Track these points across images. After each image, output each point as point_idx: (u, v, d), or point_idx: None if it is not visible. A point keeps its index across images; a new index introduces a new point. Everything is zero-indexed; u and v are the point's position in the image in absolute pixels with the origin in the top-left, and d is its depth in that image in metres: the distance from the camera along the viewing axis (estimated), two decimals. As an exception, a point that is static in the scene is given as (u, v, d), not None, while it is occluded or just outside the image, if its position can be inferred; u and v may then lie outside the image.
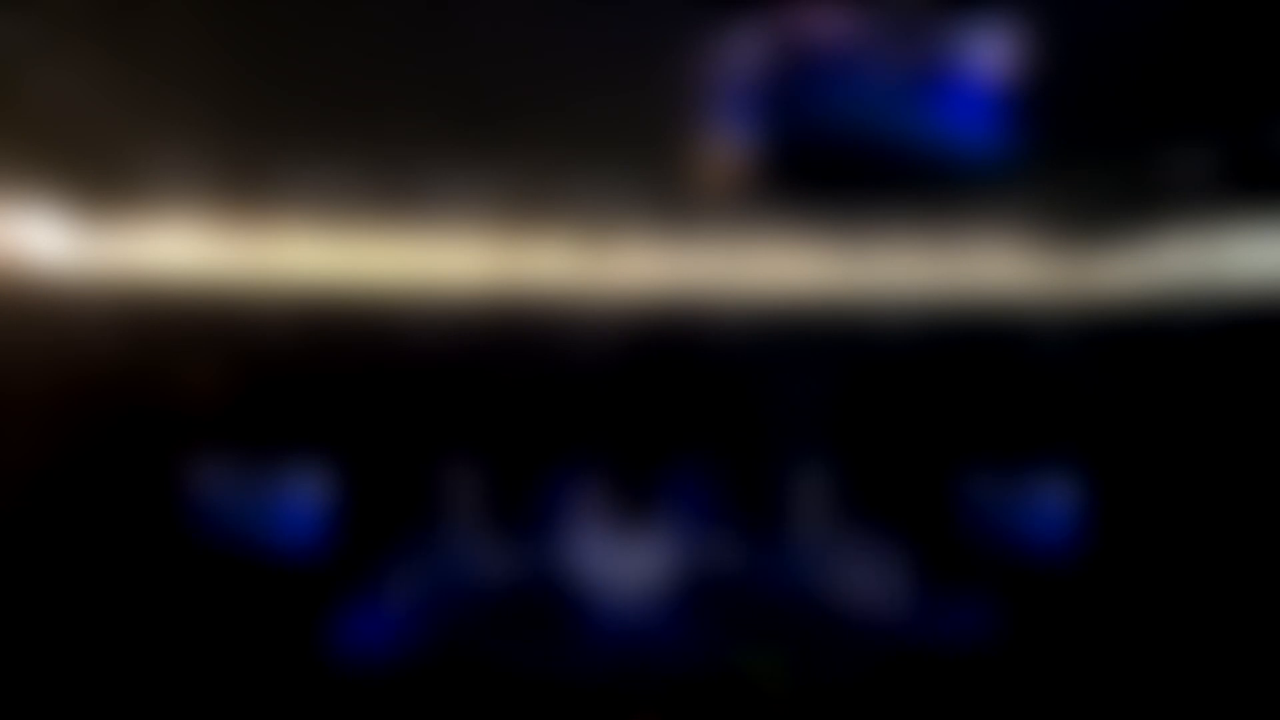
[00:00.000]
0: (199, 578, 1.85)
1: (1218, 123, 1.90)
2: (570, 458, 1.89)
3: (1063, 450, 1.90)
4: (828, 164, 1.89)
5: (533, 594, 1.89)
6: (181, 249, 1.88)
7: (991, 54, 1.90)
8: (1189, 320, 1.90)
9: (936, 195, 1.90)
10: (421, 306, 1.89)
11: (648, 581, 1.90)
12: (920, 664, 1.88)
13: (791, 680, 1.87)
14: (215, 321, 1.86)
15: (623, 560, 1.90)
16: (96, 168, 1.86)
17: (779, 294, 1.90)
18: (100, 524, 1.85)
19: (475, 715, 1.86)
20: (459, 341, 1.89)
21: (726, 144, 1.90)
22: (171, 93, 1.86)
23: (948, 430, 1.90)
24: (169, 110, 1.86)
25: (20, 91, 1.85)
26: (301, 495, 1.88)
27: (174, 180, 1.87)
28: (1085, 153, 1.91)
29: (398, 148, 1.88)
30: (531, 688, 1.86)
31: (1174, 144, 1.90)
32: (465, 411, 1.89)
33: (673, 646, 1.88)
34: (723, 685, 1.86)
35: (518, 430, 1.89)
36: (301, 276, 1.89)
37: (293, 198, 1.88)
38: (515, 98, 1.88)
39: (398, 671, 1.86)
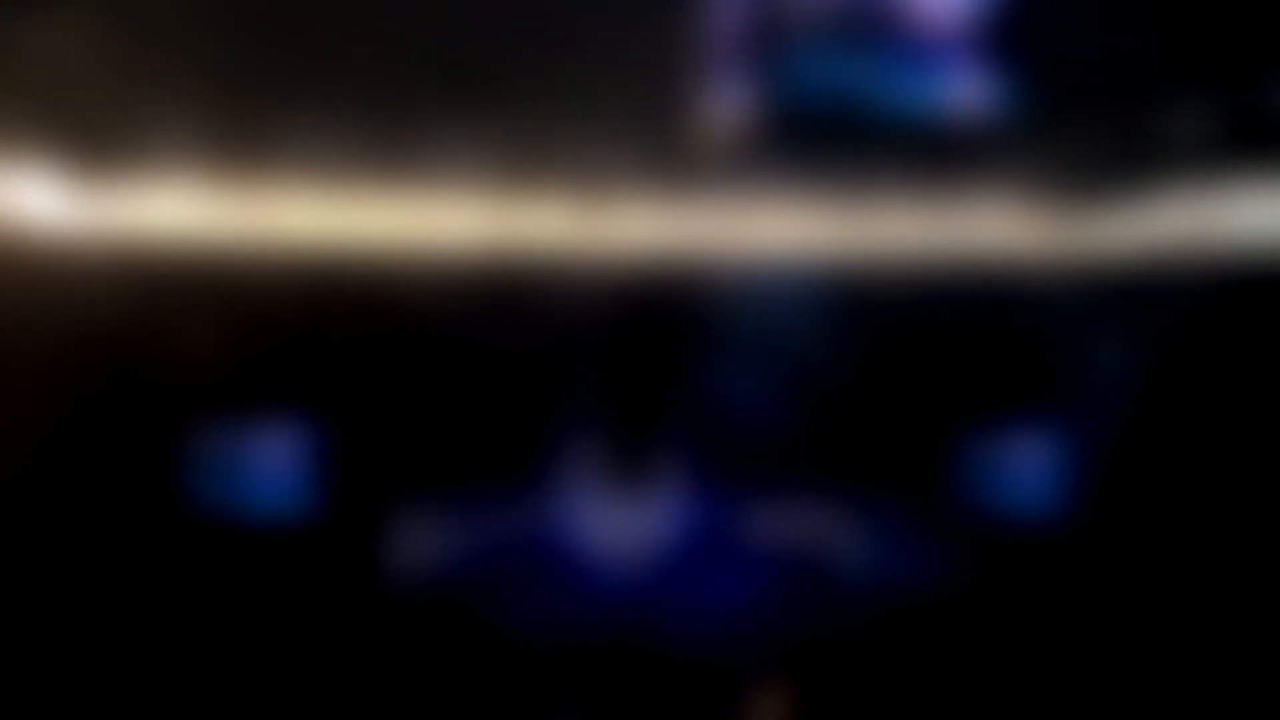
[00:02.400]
0: (196, 538, 1.85)
1: (1218, 80, 1.90)
2: (568, 418, 1.89)
3: (1060, 409, 1.90)
4: (826, 124, 1.89)
5: (529, 554, 1.88)
6: (175, 208, 1.87)
7: (990, 12, 1.89)
8: (1188, 279, 1.89)
9: (933, 154, 1.89)
10: (418, 266, 1.88)
11: (645, 542, 1.89)
12: (910, 623, 1.88)
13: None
14: (209, 280, 1.86)
15: (620, 521, 1.89)
16: (91, 128, 1.86)
17: (778, 253, 1.90)
18: (98, 484, 1.84)
19: (472, 674, 1.86)
20: (456, 301, 1.88)
21: (726, 103, 1.89)
22: (167, 53, 1.86)
23: (945, 389, 1.89)
24: (164, 71, 1.85)
25: (16, 52, 1.84)
26: (298, 455, 1.87)
27: (168, 140, 1.86)
28: (1084, 111, 1.91)
29: (394, 108, 1.87)
30: (528, 648, 1.86)
31: (1173, 101, 1.90)
32: (463, 371, 1.88)
33: (671, 607, 1.88)
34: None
35: (516, 390, 1.89)
36: (298, 236, 1.88)
37: (288, 157, 1.88)
38: (513, 57, 1.87)
39: (394, 631, 1.86)
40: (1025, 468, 1.90)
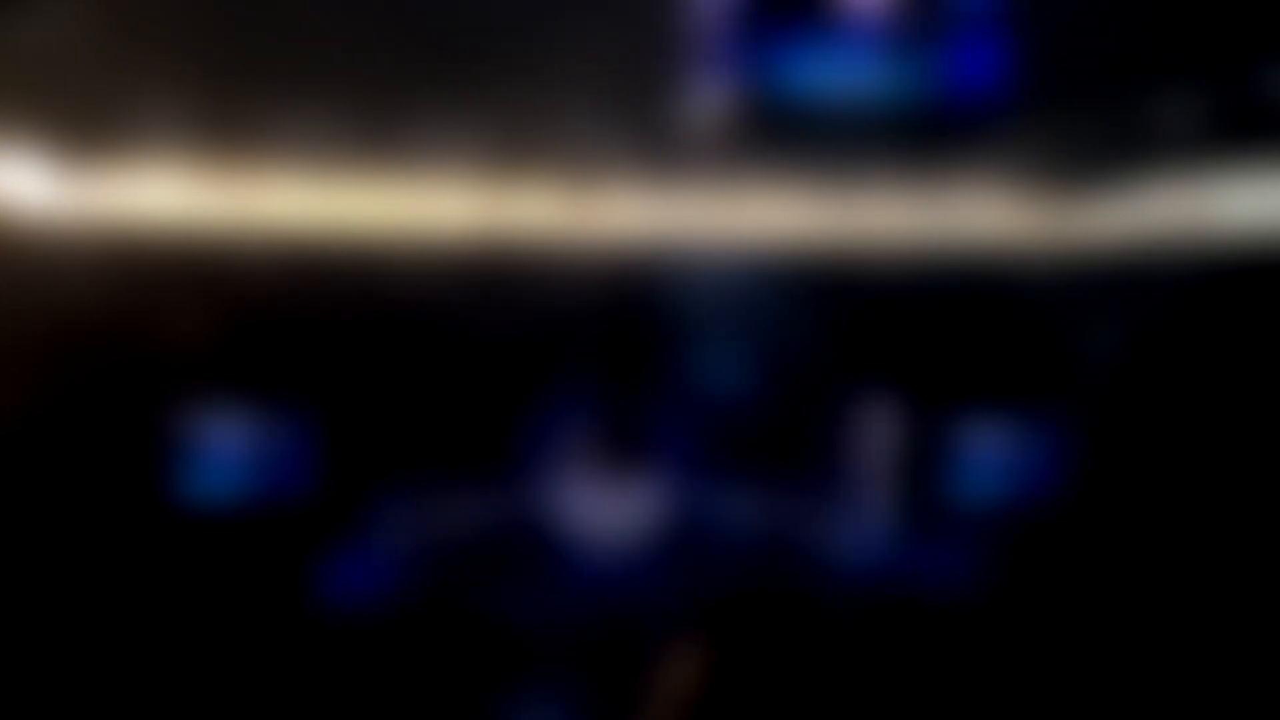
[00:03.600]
0: (182, 526, 1.85)
1: (1208, 68, 1.89)
2: (557, 403, 1.89)
3: (1051, 397, 1.89)
4: (814, 111, 1.88)
5: (517, 540, 1.88)
6: (161, 194, 1.87)
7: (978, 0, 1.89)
8: (1178, 267, 1.89)
9: (921, 142, 1.89)
10: (405, 253, 1.88)
11: (634, 528, 1.89)
12: (907, 610, 1.88)
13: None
14: (195, 266, 1.86)
15: (609, 506, 1.89)
16: (78, 113, 1.86)
17: (766, 240, 1.89)
18: (83, 470, 1.85)
19: (460, 662, 1.86)
20: (444, 286, 1.88)
21: (713, 90, 1.89)
22: (153, 39, 1.85)
23: (933, 377, 1.89)
24: (151, 56, 1.85)
25: (2, 38, 1.84)
26: (287, 441, 1.87)
27: (154, 126, 1.86)
28: (1074, 98, 1.90)
29: (381, 94, 1.87)
30: (517, 635, 1.87)
31: (1164, 89, 1.89)
32: (451, 357, 1.88)
33: (659, 594, 1.88)
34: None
35: (504, 376, 1.88)
36: (284, 222, 1.88)
37: (275, 143, 1.88)
38: (500, 44, 1.87)
39: (383, 619, 1.86)
40: (1013, 456, 1.90)
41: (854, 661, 1.87)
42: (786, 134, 1.88)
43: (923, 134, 1.88)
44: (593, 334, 1.88)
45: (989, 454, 1.89)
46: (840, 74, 1.88)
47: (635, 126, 1.88)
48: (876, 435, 1.89)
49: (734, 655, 1.88)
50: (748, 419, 1.89)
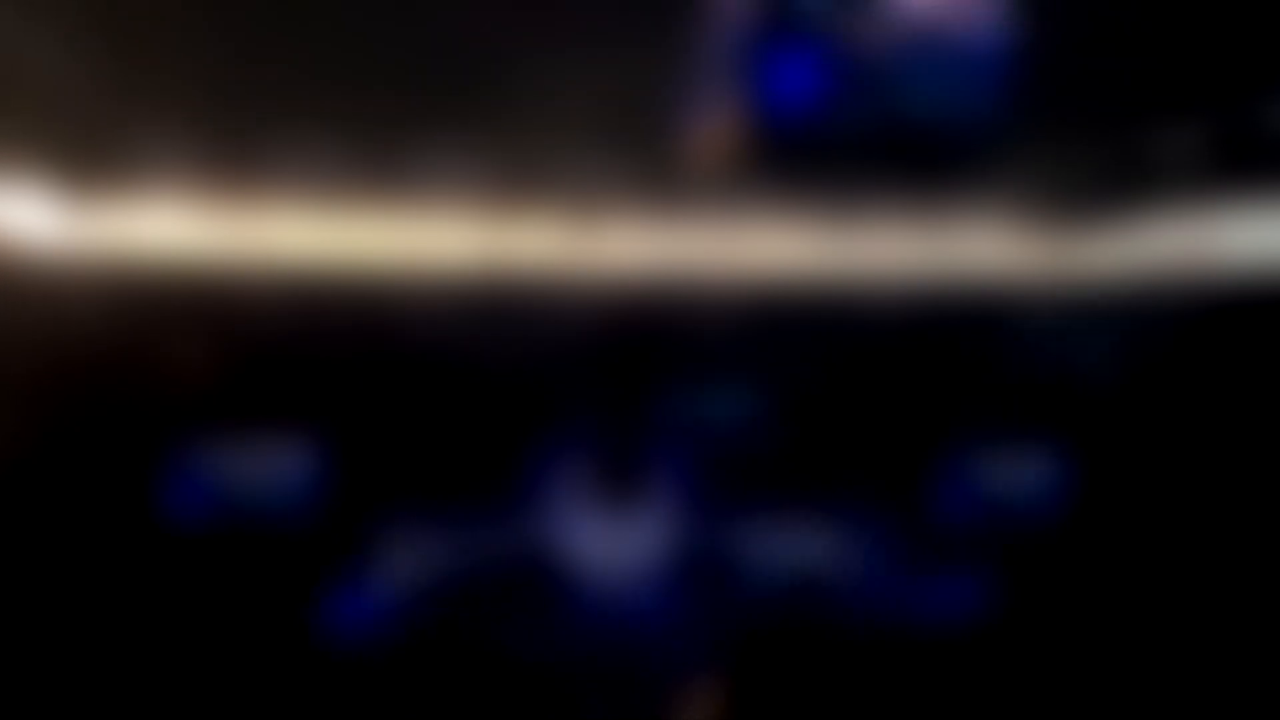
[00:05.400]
0: (187, 556, 1.85)
1: (1210, 100, 1.89)
2: (559, 436, 1.89)
3: (1052, 430, 1.89)
4: (815, 143, 1.88)
5: (520, 573, 1.89)
6: (167, 226, 1.87)
7: (981, 30, 1.89)
8: (1179, 299, 1.89)
9: (925, 173, 1.89)
10: (409, 284, 1.88)
11: (637, 561, 1.90)
12: (910, 638, 1.88)
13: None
14: (201, 298, 1.86)
15: (611, 539, 1.89)
16: (84, 146, 1.86)
17: (767, 272, 1.90)
18: (88, 501, 1.85)
19: (465, 695, 1.86)
20: (446, 318, 1.88)
21: (714, 123, 1.89)
22: (158, 70, 1.86)
23: (936, 409, 1.89)
24: (155, 88, 1.86)
25: (9, 71, 1.85)
26: (290, 473, 1.87)
27: (160, 158, 1.87)
28: (1075, 130, 1.90)
29: (386, 128, 1.87)
30: (521, 668, 1.87)
31: (1166, 122, 1.90)
32: (455, 389, 1.89)
33: (664, 628, 1.88)
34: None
35: (507, 407, 1.89)
36: (288, 254, 1.88)
37: (280, 176, 1.88)
38: (504, 77, 1.87)
39: (386, 652, 1.86)
40: (1014, 485, 1.90)
41: (864, 693, 1.88)
42: (788, 168, 1.89)
43: (927, 168, 1.88)
44: (596, 366, 1.88)
45: (990, 483, 1.90)
46: (841, 109, 1.88)
47: (637, 161, 1.89)
48: (878, 465, 1.89)
49: (751, 695, 1.88)
50: (751, 450, 1.89)
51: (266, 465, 1.86)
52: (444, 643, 1.87)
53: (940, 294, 1.90)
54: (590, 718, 1.87)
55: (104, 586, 1.84)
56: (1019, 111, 1.89)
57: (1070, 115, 1.90)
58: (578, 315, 1.88)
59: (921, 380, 1.89)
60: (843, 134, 1.89)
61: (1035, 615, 1.88)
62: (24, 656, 1.83)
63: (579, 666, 1.87)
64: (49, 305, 1.84)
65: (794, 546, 1.90)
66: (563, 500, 1.89)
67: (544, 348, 1.88)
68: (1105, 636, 1.89)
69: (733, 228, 1.90)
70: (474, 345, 1.88)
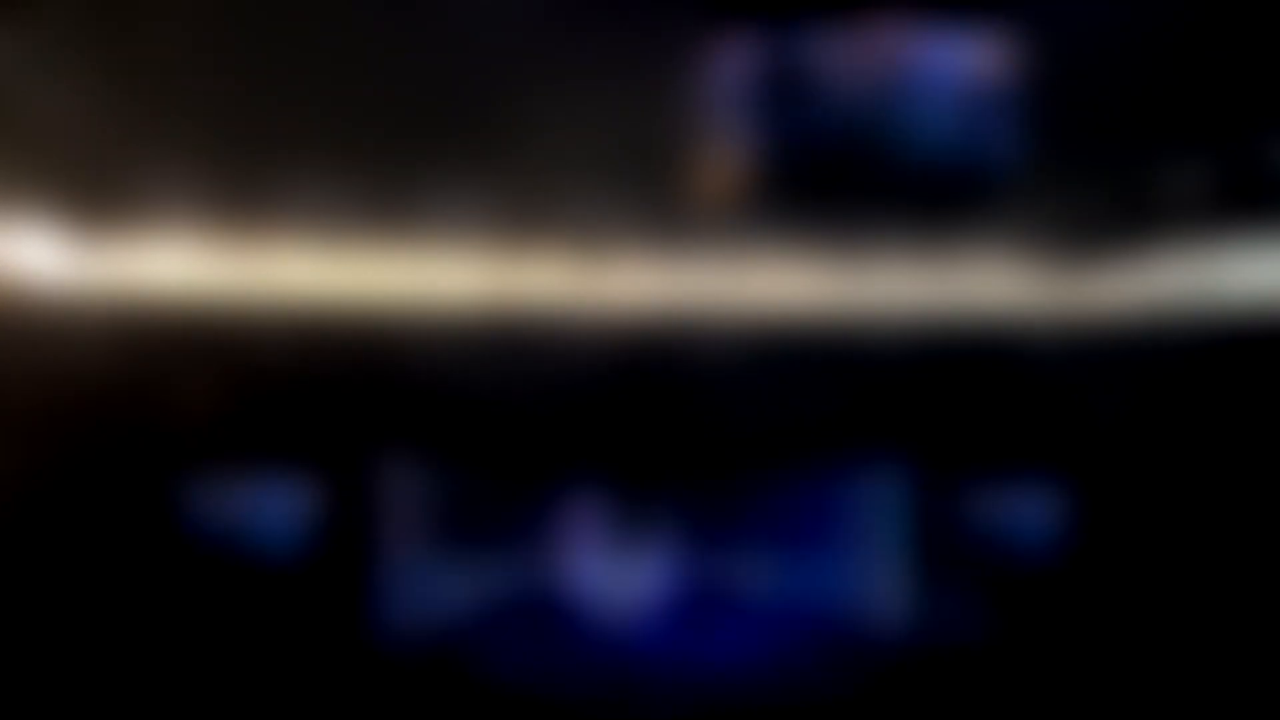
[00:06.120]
0: (196, 592, 1.85)
1: (1217, 137, 1.90)
2: (566, 473, 1.89)
3: (1060, 466, 1.89)
4: (825, 179, 1.89)
5: (528, 610, 1.88)
6: (174, 264, 1.87)
7: (987, 67, 1.90)
8: (1186, 336, 1.89)
9: (933, 210, 1.89)
10: (416, 322, 1.88)
11: (646, 600, 1.89)
12: (917, 669, 1.88)
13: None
14: (207, 336, 1.86)
15: (618, 578, 1.89)
16: (89, 183, 1.86)
17: (776, 309, 1.90)
18: (96, 538, 1.85)
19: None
20: (454, 355, 1.88)
21: (723, 159, 1.89)
22: (166, 108, 1.86)
23: (944, 445, 1.89)
24: (163, 125, 1.86)
25: (13, 105, 1.85)
26: (297, 510, 1.87)
27: (166, 196, 1.87)
28: (1082, 167, 1.91)
29: (392, 164, 1.87)
30: (529, 706, 1.86)
31: (1172, 159, 1.90)
32: (461, 427, 1.89)
33: (670, 662, 1.88)
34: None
35: (514, 446, 1.89)
36: (296, 291, 1.88)
37: (286, 212, 1.88)
38: (510, 113, 1.87)
39: (393, 687, 1.86)
40: (1021, 521, 1.90)
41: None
42: (797, 205, 1.89)
43: (934, 205, 1.89)
44: (605, 403, 1.88)
45: (998, 521, 1.90)
46: (848, 145, 1.88)
47: (644, 197, 1.89)
48: (887, 503, 1.89)
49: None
50: (759, 487, 1.89)
51: (275, 503, 1.86)
52: (451, 680, 1.87)
53: (947, 330, 1.90)
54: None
55: (113, 622, 1.84)
56: (1026, 149, 1.89)
57: (1078, 152, 1.90)
58: (586, 352, 1.88)
59: (929, 417, 1.89)
60: (850, 171, 1.89)
61: (1039, 652, 1.88)
62: (31, 689, 1.83)
63: (587, 706, 1.87)
64: (56, 343, 1.84)
65: (803, 582, 1.90)
66: (573, 538, 1.89)
67: (552, 384, 1.88)
68: (1110, 672, 1.88)
69: (741, 264, 1.90)
70: (481, 383, 1.88)
